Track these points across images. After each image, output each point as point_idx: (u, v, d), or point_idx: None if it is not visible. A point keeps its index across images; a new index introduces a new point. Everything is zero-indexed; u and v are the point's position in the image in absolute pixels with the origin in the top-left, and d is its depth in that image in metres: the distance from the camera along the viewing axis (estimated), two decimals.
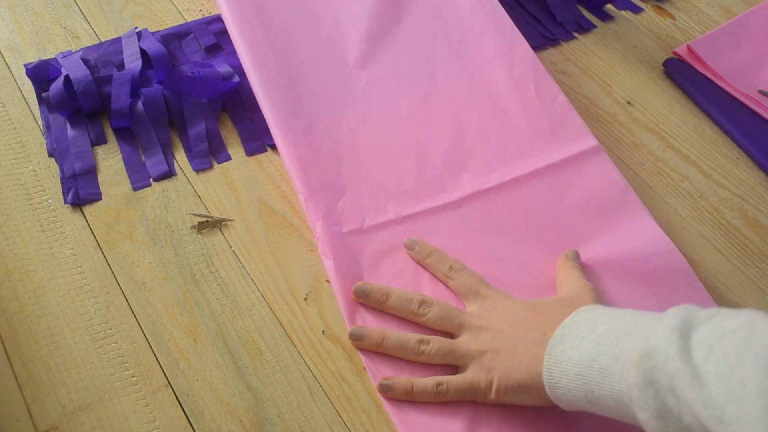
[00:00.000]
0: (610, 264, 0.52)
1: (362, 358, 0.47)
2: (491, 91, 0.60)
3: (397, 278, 0.51)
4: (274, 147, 0.58)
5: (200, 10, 0.67)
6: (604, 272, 0.52)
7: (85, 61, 0.59)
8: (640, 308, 0.43)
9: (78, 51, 0.61)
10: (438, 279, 0.51)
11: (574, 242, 0.53)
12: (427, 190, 0.55)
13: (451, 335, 0.48)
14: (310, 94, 0.58)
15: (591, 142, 0.58)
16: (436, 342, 0.47)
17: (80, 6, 0.67)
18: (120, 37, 0.63)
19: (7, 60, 0.62)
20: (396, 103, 0.59)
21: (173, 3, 0.68)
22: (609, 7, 0.74)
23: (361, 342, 0.47)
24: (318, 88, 0.59)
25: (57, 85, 0.57)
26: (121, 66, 0.61)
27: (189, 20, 0.66)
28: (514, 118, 0.59)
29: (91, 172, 0.55)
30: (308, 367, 0.47)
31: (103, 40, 0.63)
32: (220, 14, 0.65)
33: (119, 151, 0.57)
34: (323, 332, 0.49)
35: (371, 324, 0.48)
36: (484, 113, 0.59)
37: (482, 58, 0.62)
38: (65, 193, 0.53)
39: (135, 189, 0.55)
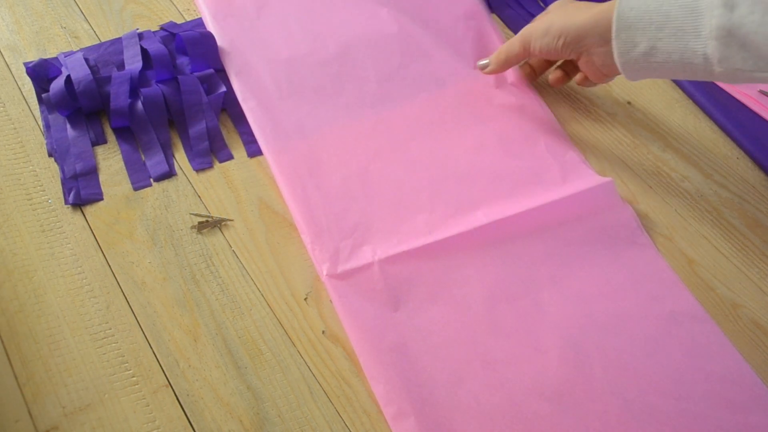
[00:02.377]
0: (608, 293, 0.52)
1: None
2: (502, 138, 0.60)
3: (419, 311, 0.50)
4: None
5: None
6: (605, 304, 0.52)
7: (85, 61, 0.59)
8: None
9: (79, 51, 0.61)
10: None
11: (584, 279, 0.53)
12: (440, 224, 0.54)
13: None
14: (318, 132, 0.58)
15: (604, 179, 0.58)
16: None
17: (80, 6, 0.67)
18: (120, 38, 0.63)
19: (7, 60, 0.62)
20: (407, 143, 0.59)
21: (173, 3, 0.68)
22: None
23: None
24: (327, 128, 0.59)
25: (58, 83, 0.57)
26: (121, 66, 0.61)
27: (189, 20, 0.66)
28: (526, 164, 0.59)
29: (93, 172, 0.55)
30: (308, 367, 0.47)
31: (103, 40, 0.64)
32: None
33: (119, 151, 0.57)
34: (323, 332, 0.49)
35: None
36: (495, 157, 0.59)
37: (492, 106, 0.62)
38: (66, 194, 0.53)
39: (135, 189, 0.55)
